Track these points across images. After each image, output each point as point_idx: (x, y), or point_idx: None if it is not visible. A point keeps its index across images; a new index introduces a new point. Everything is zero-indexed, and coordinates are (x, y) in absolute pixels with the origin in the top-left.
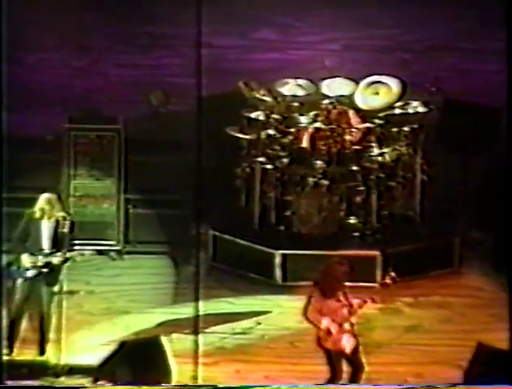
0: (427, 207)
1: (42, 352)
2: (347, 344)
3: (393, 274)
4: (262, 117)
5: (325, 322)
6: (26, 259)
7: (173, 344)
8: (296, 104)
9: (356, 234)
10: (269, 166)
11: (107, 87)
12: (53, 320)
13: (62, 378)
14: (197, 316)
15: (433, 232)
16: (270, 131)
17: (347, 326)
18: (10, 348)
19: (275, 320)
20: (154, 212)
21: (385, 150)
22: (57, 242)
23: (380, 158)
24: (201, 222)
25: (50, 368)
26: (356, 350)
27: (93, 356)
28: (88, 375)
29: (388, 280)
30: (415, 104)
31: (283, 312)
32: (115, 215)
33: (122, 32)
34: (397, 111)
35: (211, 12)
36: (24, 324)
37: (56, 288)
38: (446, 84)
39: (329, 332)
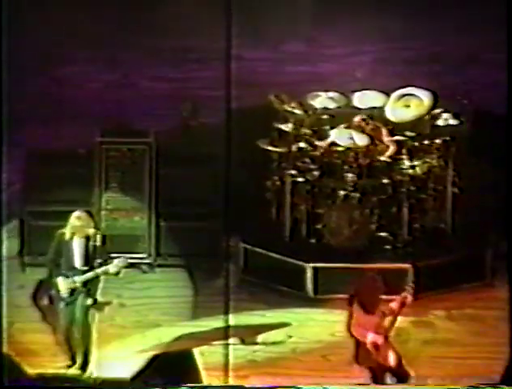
0: (458, 219)
1: (85, 366)
2: (391, 356)
3: (411, 288)
4: (292, 130)
5: (370, 337)
6: (62, 283)
7: (204, 357)
8: (326, 116)
9: (388, 247)
10: (300, 179)
11: (138, 101)
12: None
13: None
14: (227, 328)
15: (464, 245)
16: (301, 144)
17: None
18: (73, 361)
19: (306, 333)
20: (185, 225)
21: (416, 162)
22: (90, 259)
23: (411, 171)
24: (231, 235)
25: (82, 381)
26: (400, 361)
27: (125, 369)
28: (121, 388)
29: (408, 297)
30: (446, 116)
31: (315, 325)
32: (146, 228)
33: (153, 46)
34: (428, 123)
35: (240, 25)
36: (59, 337)
37: (91, 301)
38: (477, 96)
39: (376, 347)
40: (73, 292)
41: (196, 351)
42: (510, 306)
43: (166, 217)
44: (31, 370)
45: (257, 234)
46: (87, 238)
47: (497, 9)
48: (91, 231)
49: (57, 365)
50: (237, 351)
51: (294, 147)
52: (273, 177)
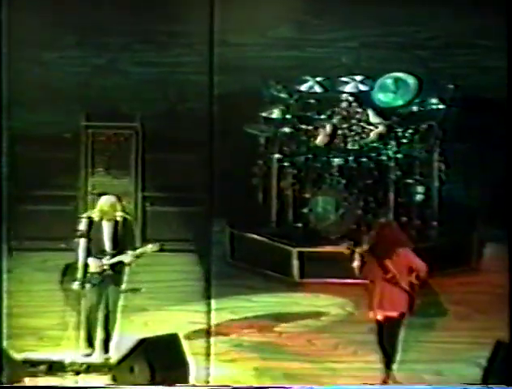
0: (444, 204)
1: (106, 350)
2: None
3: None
4: (279, 115)
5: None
6: (92, 264)
7: (191, 342)
8: (313, 101)
9: (374, 232)
10: (286, 163)
11: (124, 85)
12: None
13: (81, 375)
14: (209, 312)
15: (451, 230)
16: (288, 129)
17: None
18: (91, 345)
19: (292, 317)
20: (171, 210)
21: (402, 147)
22: (119, 242)
23: (397, 155)
24: (218, 219)
25: (68, 365)
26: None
27: (111, 353)
28: (106, 373)
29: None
30: (432, 101)
31: (301, 309)
32: (133, 212)
33: (140, 30)
34: (414, 108)
35: (228, 10)
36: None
37: (122, 287)
38: (464, 81)
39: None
40: (101, 274)
41: (183, 335)
42: (510, 294)
43: (153, 202)
44: (16, 354)
45: (243, 219)
46: (116, 222)
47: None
48: (120, 214)
49: (43, 349)
50: (225, 335)
51: (280, 132)
52: (259, 162)
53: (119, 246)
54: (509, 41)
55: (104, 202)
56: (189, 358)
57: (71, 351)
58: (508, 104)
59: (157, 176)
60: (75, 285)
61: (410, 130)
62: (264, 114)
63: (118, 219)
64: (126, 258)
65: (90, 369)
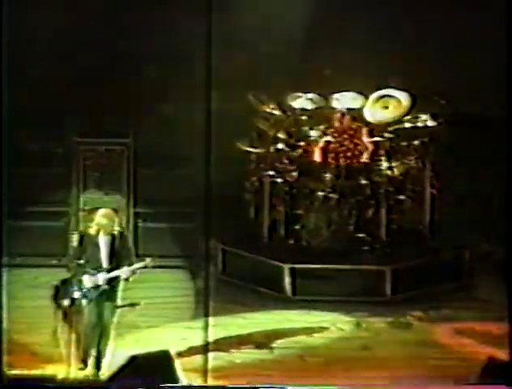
0: (436, 220)
1: (99, 367)
2: None
3: None
4: (271, 131)
5: None
6: (87, 281)
7: (183, 359)
8: (305, 117)
9: (366, 248)
10: (278, 180)
11: (116, 101)
12: (68, 334)
13: None
14: (207, 329)
15: (442, 246)
16: (280, 145)
17: None
18: (85, 361)
19: (285, 334)
20: (163, 226)
21: (394, 164)
22: (115, 257)
23: (389, 172)
24: (210, 236)
25: (60, 382)
26: None
27: (103, 370)
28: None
29: None
30: (424, 117)
31: (293, 326)
32: (124, 228)
33: (131, 46)
34: (406, 124)
35: (221, 26)
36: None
37: (117, 303)
38: (456, 97)
39: None
40: (97, 289)
41: (175, 352)
42: (509, 311)
43: (144, 218)
44: (8, 371)
45: (235, 235)
46: (113, 236)
47: (488, 13)
48: (117, 229)
49: (35, 365)
50: (216, 352)
51: (273, 148)
52: (252, 178)
53: (115, 261)
54: (508, 56)
55: (102, 215)
56: (181, 375)
57: (63, 368)
58: (508, 119)
59: (149, 192)
60: (66, 302)
61: (402, 147)
62: (257, 131)
63: (115, 233)
64: (124, 273)
65: (81, 385)
